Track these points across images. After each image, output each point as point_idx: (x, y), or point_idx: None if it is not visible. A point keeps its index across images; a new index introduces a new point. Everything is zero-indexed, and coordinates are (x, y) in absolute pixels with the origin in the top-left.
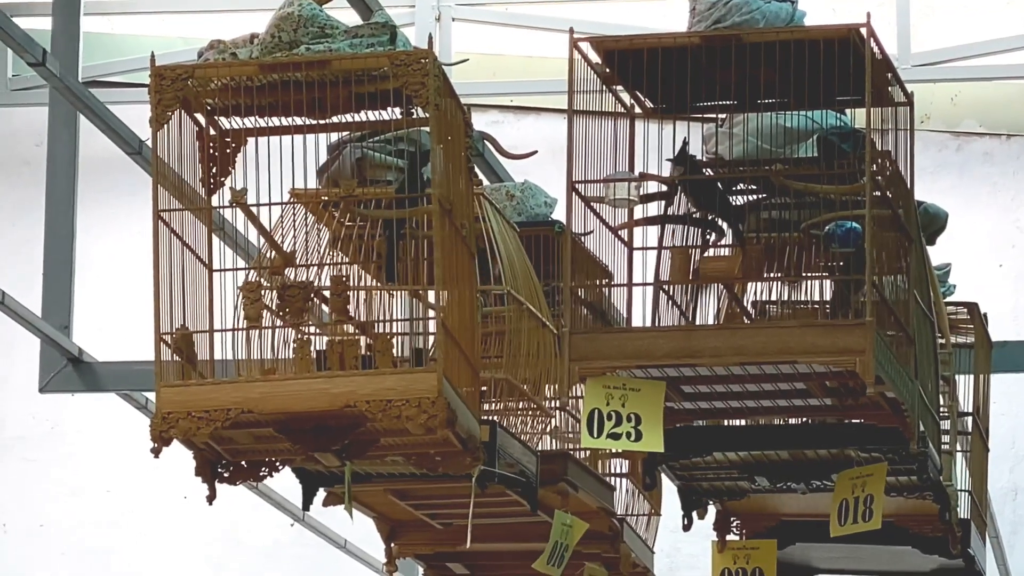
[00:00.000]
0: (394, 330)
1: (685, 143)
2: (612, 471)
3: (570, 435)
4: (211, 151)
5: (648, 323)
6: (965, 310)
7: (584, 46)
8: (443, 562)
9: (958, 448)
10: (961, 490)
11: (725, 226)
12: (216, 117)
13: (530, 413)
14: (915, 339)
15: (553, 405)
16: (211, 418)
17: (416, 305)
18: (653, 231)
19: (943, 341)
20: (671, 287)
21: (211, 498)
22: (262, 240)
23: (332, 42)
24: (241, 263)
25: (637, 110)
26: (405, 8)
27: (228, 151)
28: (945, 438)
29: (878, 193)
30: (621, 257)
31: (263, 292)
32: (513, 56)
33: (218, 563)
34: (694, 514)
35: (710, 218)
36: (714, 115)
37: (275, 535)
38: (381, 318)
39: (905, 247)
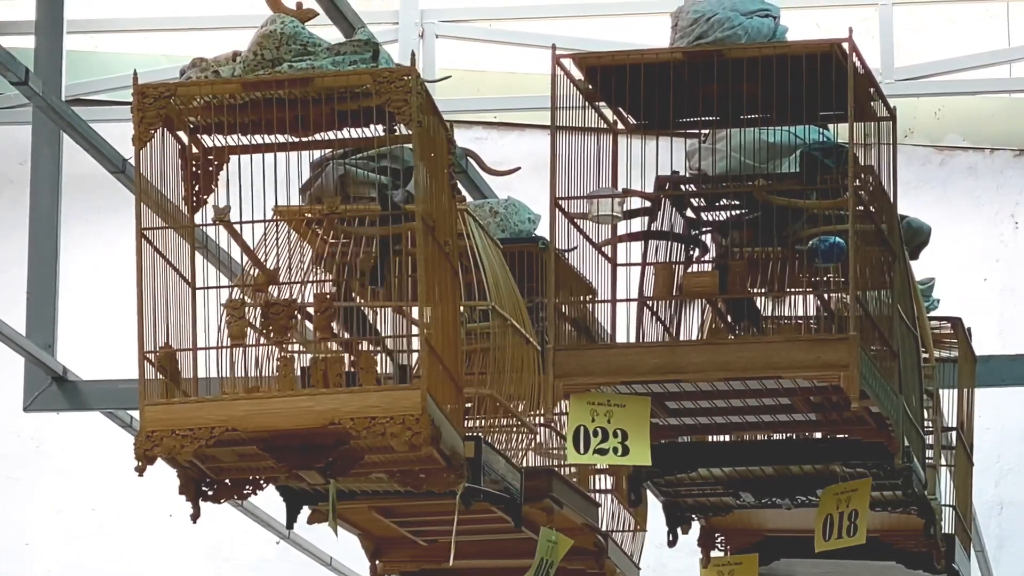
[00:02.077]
0: (378, 347)
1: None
2: (597, 487)
3: (554, 451)
4: (194, 169)
5: (632, 339)
6: (949, 325)
7: (567, 62)
8: None
9: (943, 463)
10: (946, 505)
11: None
12: (199, 135)
13: (514, 430)
14: (899, 354)
15: (537, 421)
16: (195, 436)
17: (400, 322)
18: (636, 247)
19: (927, 355)
20: (655, 303)
21: (195, 516)
22: (245, 258)
23: (315, 60)
24: (224, 281)
25: (620, 126)
26: (388, 25)
27: (211, 169)
28: (930, 453)
29: (861, 208)
30: (605, 273)
31: (247, 310)
32: (497, 72)
33: None
34: (679, 530)
35: (693, 234)
36: (697, 131)
37: (260, 552)
38: (365, 335)
39: (888, 262)
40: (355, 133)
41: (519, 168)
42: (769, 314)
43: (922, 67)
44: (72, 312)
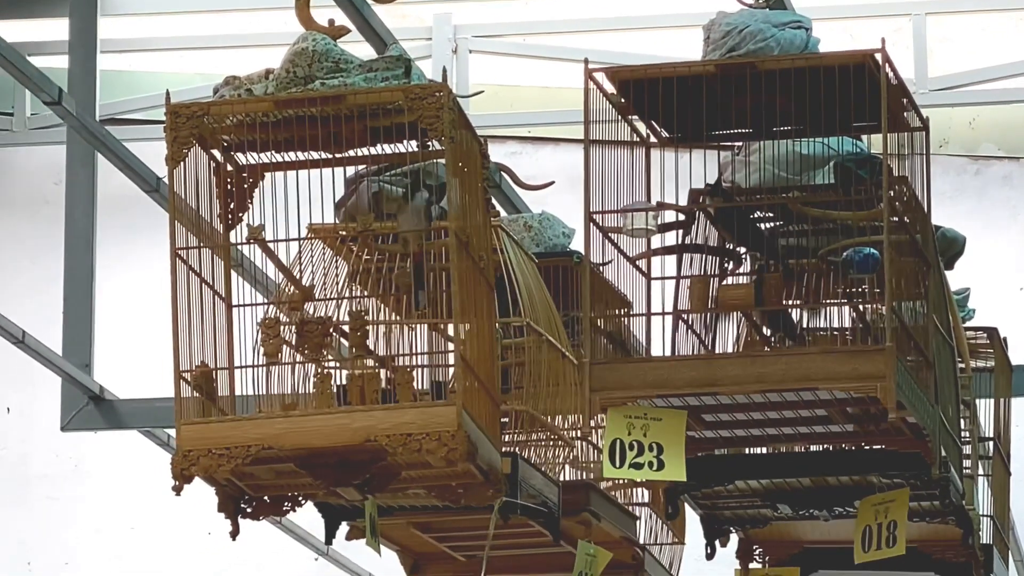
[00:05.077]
0: (414, 363)
1: (720, 178)
2: (634, 500)
3: (592, 465)
4: (228, 187)
5: (668, 352)
6: (985, 335)
7: (599, 76)
8: None
9: (980, 472)
10: (984, 515)
11: (748, 254)
12: (232, 153)
13: (551, 444)
14: (935, 364)
15: (574, 435)
16: (232, 455)
17: (435, 338)
18: (671, 260)
19: (963, 366)
20: (690, 316)
21: (234, 534)
22: (280, 276)
23: (347, 76)
24: (260, 299)
25: (653, 139)
26: (422, 41)
27: (245, 187)
28: (967, 462)
29: (896, 219)
30: (640, 287)
31: (282, 328)
32: (531, 87)
33: None
34: (717, 542)
35: (729, 247)
36: (730, 143)
37: (299, 569)
38: (400, 352)
39: (923, 272)
40: (388, 149)
41: (553, 182)
42: (805, 326)
43: (956, 77)
44: (108, 331)
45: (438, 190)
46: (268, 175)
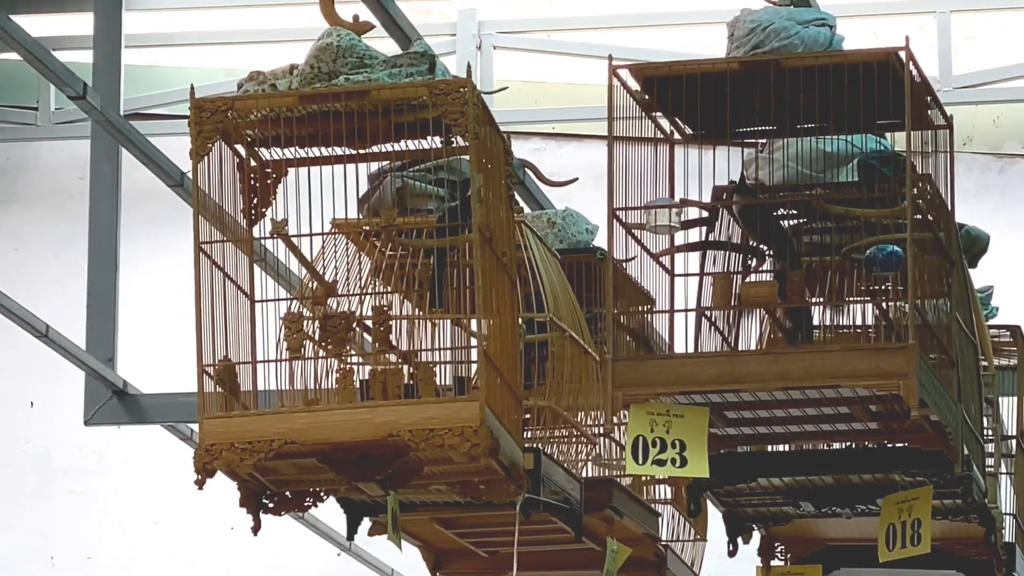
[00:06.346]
0: (437, 359)
1: (744, 175)
2: (657, 497)
3: (615, 462)
4: (252, 182)
5: (691, 349)
6: (1008, 333)
7: (623, 73)
8: None
9: (1003, 471)
10: (1006, 513)
11: (771, 252)
12: (256, 148)
13: (574, 440)
14: (958, 362)
15: (597, 432)
16: (254, 449)
17: (458, 334)
18: (694, 257)
19: (986, 363)
20: (713, 313)
21: (256, 529)
22: (304, 271)
23: (371, 72)
24: (283, 294)
25: (676, 136)
26: (446, 36)
27: (268, 182)
28: (990, 461)
29: (919, 216)
30: (663, 283)
31: (305, 322)
32: (555, 83)
33: None
34: (739, 539)
35: (752, 244)
36: (754, 141)
37: (322, 565)
38: (423, 347)
39: (947, 270)
40: (412, 145)
41: (577, 179)
42: (827, 324)
43: (980, 74)
44: (132, 326)
45: (462, 186)
46: (292, 170)
